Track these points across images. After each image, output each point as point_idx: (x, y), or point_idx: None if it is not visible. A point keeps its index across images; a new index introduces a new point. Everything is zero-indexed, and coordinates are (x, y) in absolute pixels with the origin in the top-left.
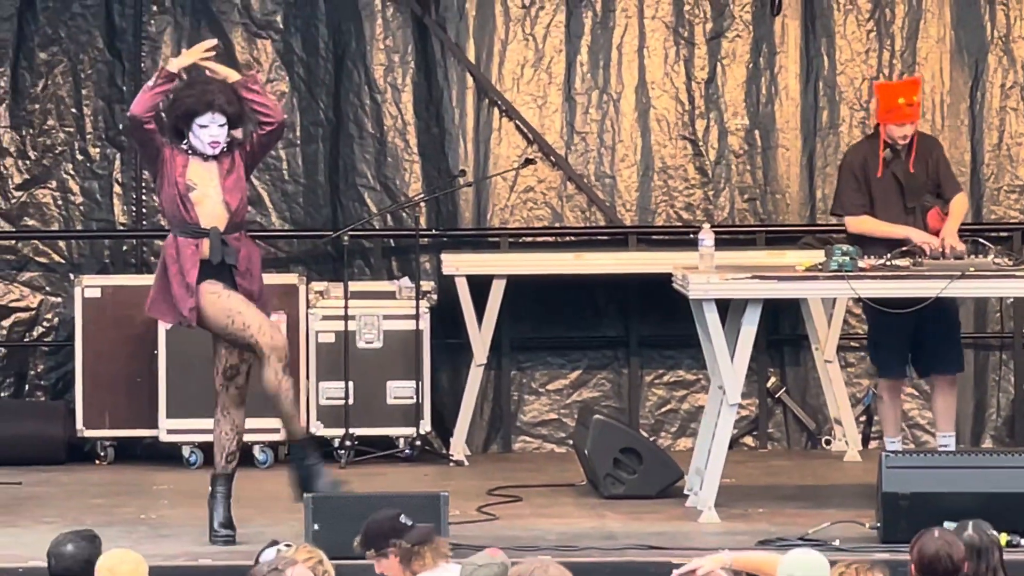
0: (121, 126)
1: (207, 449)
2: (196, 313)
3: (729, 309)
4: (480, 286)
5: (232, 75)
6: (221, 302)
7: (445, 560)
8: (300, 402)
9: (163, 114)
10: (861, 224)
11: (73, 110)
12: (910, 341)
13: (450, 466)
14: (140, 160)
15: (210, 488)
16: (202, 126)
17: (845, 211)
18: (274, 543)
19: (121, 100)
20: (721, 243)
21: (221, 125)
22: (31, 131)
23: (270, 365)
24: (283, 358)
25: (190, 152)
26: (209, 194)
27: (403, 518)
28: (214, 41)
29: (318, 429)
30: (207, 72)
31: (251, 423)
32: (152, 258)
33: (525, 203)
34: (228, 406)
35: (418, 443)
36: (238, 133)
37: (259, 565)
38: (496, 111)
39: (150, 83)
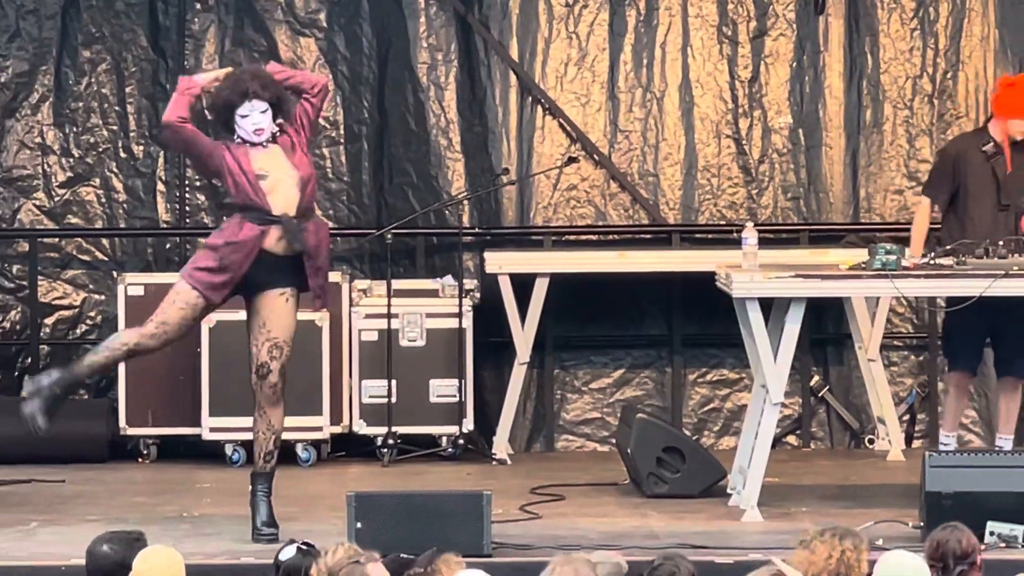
0: None
1: (250, 447)
2: (218, 294)
3: (772, 308)
4: (523, 284)
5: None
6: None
7: (460, 567)
8: (343, 400)
9: (206, 112)
10: (917, 211)
11: (116, 108)
12: (984, 339)
13: (493, 465)
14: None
15: (251, 487)
16: (243, 116)
17: (923, 192)
18: (292, 541)
19: (164, 98)
20: (764, 242)
21: (263, 112)
22: (75, 129)
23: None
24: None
25: (247, 143)
26: (282, 179)
27: (401, 555)
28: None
29: (361, 427)
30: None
31: (293, 421)
32: None
33: (568, 201)
34: (263, 405)
35: (461, 442)
36: (280, 121)
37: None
38: (539, 109)
39: (176, 91)
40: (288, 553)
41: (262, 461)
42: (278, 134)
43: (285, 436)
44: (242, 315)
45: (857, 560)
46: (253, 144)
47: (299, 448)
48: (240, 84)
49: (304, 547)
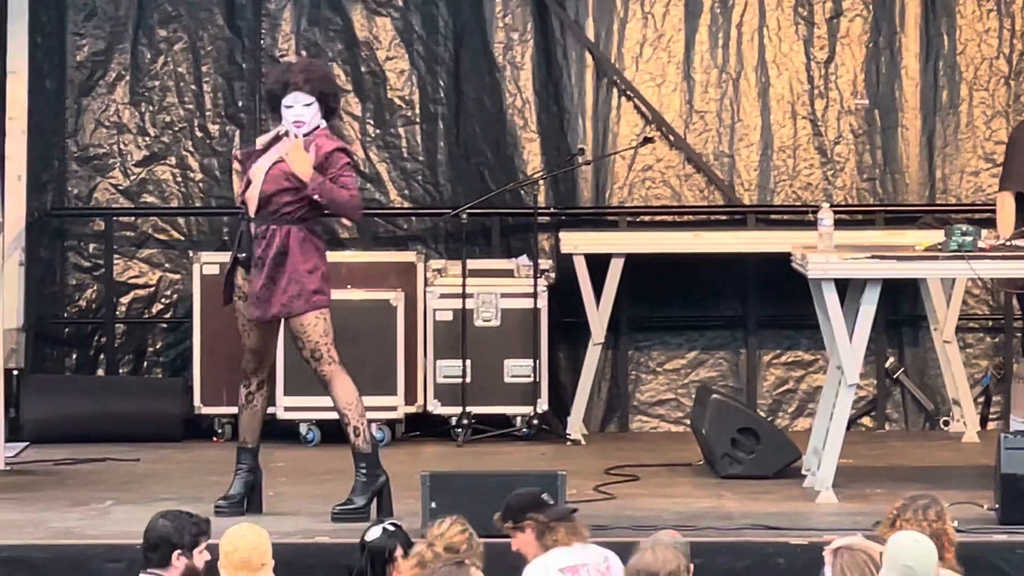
0: (240, 103)
1: (324, 426)
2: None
3: (848, 289)
4: (598, 265)
5: (306, 173)
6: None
7: (581, 540)
8: (418, 380)
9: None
10: (1000, 207)
11: (193, 87)
12: None
13: (567, 445)
14: None
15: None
16: (288, 107)
17: (1000, 187)
18: (379, 521)
19: (240, 77)
20: (840, 223)
21: (307, 104)
22: (151, 108)
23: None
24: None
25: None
26: (262, 167)
27: (545, 496)
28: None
29: (435, 407)
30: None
31: (367, 401)
32: None
33: (644, 182)
34: (325, 388)
35: (535, 422)
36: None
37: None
38: (615, 90)
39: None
40: (375, 533)
41: (350, 438)
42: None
43: None
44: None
45: (944, 528)
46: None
47: (373, 428)
48: (284, 75)
49: (391, 527)
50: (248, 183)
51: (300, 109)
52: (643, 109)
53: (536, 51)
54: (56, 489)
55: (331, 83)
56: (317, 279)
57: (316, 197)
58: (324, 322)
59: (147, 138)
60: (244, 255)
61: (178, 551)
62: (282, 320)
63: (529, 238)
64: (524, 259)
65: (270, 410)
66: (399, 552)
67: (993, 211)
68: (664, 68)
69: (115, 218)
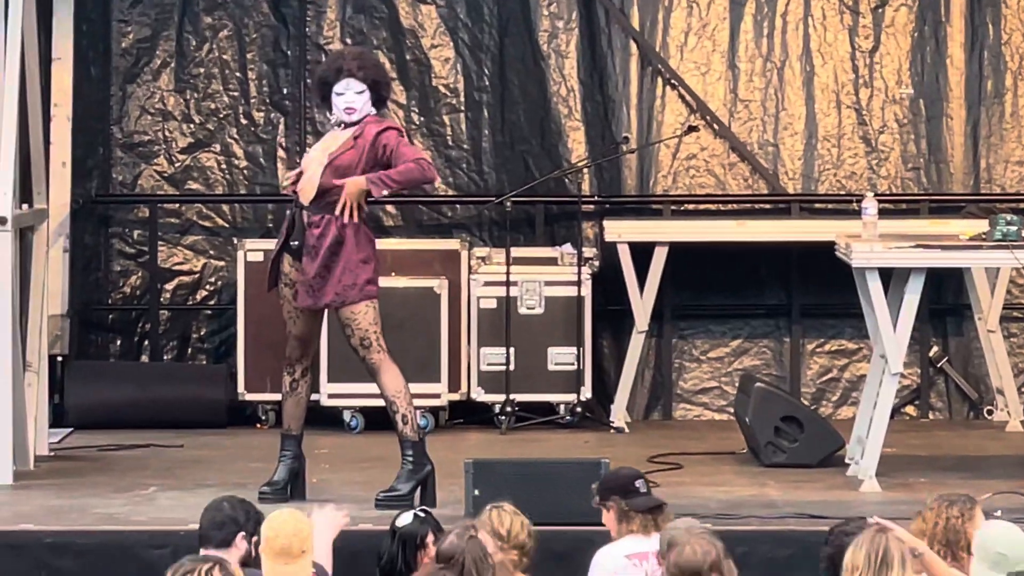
0: (285, 90)
1: (368, 414)
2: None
3: (892, 278)
4: (642, 253)
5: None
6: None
7: (658, 532)
8: (461, 367)
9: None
10: None
11: (238, 74)
12: None
13: (611, 433)
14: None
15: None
16: (339, 94)
17: None
18: (410, 507)
19: (285, 65)
20: (884, 212)
21: (359, 92)
22: (195, 95)
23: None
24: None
25: (335, 127)
26: (316, 157)
27: (639, 483)
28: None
29: (479, 395)
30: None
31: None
32: None
33: (688, 170)
34: (373, 376)
35: (579, 409)
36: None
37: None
38: (659, 78)
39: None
40: (405, 519)
41: (398, 426)
42: (362, 122)
43: None
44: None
45: (963, 526)
46: (339, 125)
47: (416, 415)
48: (336, 61)
49: (421, 514)
50: (300, 173)
51: (352, 96)
52: (687, 98)
53: (581, 39)
54: (100, 475)
55: (383, 72)
56: (370, 270)
57: (387, 192)
58: (374, 311)
59: (192, 125)
60: (296, 243)
61: (242, 533)
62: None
63: (573, 226)
64: (568, 247)
65: (313, 397)
66: (430, 538)
67: None
68: (709, 57)
69: (159, 205)
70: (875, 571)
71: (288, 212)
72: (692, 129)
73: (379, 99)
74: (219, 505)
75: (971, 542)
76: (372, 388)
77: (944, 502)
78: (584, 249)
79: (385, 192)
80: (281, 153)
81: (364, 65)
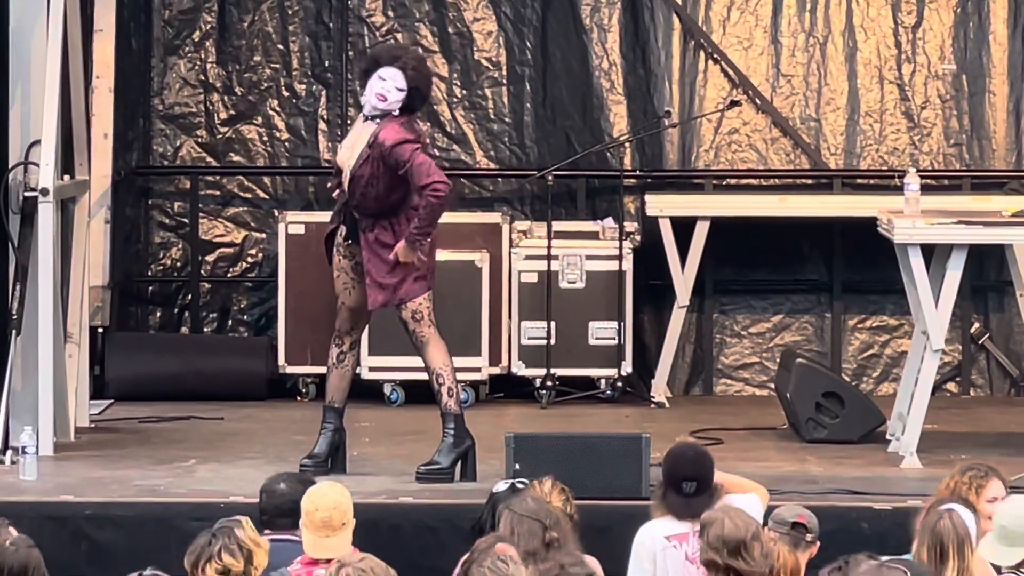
0: (327, 63)
1: (408, 387)
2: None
3: (934, 254)
4: (684, 227)
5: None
6: None
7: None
8: (502, 341)
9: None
10: None
11: (280, 46)
12: None
13: (651, 408)
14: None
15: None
16: (381, 79)
17: None
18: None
19: (327, 37)
20: (927, 188)
21: (399, 88)
22: (237, 67)
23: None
24: None
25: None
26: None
27: (686, 485)
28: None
29: (520, 369)
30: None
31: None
32: None
33: (730, 145)
34: (419, 350)
35: (619, 384)
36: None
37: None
38: (702, 53)
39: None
40: (502, 487)
41: (443, 398)
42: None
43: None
44: None
45: (967, 493)
46: (366, 115)
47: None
48: (397, 51)
49: (520, 484)
50: (339, 170)
51: (391, 87)
52: (730, 72)
53: (623, 13)
54: (140, 447)
55: (428, 85)
56: (431, 255)
57: (424, 238)
58: (428, 287)
59: (233, 97)
60: (349, 242)
61: None
62: None
63: (615, 200)
64: (609, 221)
65: None
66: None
67: None
68: (751, 32)
69: (200, 177)
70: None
71: (340, 201)
72: (734, 104)
73: (411, 106)
74: (280, 490)
75: (976, 511)
76: (413, 362)
77: (961, 468)
78: (625, 223)
79: (428, 240)
80: (322, 126)
81: (419, 69)
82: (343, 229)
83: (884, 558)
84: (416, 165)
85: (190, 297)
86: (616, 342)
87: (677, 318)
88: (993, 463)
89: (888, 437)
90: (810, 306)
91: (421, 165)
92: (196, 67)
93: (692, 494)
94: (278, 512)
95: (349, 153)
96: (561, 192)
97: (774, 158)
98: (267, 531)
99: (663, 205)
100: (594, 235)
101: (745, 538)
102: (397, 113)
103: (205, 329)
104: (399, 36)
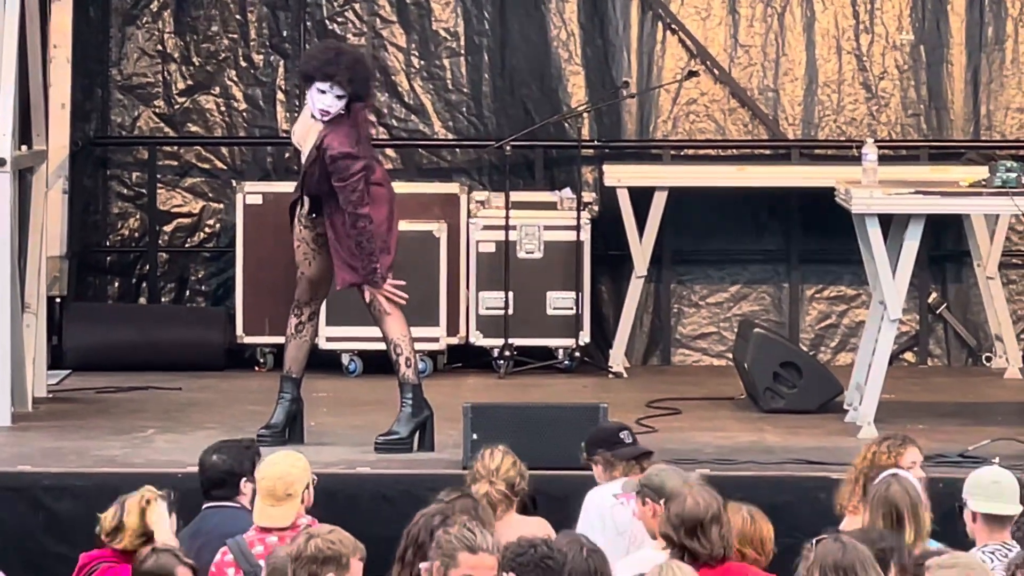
0: (285, 33)
1: (366, 357)
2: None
3: (891, 224)
4: (642, 198)
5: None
6: None
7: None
8: (460, 311)
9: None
10: None
11: (237, 16)
12: None
13: (609, 378)
14: None
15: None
16: (320, 91)
17: None
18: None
19: (285, 7)
20: (884, 158)
21: (339, 96)
22: (195, 37)
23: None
24: None
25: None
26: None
27: (623, 434)
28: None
29: (477, 339)
30: None
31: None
32: None
33: (688, 116)
34: (377, 320)
35: (577, 354)
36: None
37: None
38: (660, 23)
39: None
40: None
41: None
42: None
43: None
44: None
45: (888, 459)
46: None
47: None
48: (328, 66)
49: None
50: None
51: (331, 100)
52: (688, 43)
53: None
54: (98, 417)
55: (367, 83)
56: (391, 230)
57: (375, 273)
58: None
59: (191, 67)
60: (313, 215)
61: (244, 479)
62: None
63: (573, 171)
64: (567, 192)
65: None
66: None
67: None
68: (709, 2)
69: (158, 147)
70: None
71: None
72: (692, 74)
73: (357, 99)
74: (212, 461)
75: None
76: (371, 332)
77: (879, 439)
78: (583, 194)
79: (383, 269)
80: (280, 96)
81: (355, 77)
82: (306, 200)
83: (844, 537)
84: (348, 191)
85: (148, 267)
86: (574, 312)
87: (635, 288)
88: (951, 432)
89: (846, 407)
90: (768, 276)
91: (353, 193)
92: (154, 37)
93: (633, 441)
94: (211, 483)
95: (302, 138)
96: (519, 162)
97: (732, 128)
98: (206, 503)
99: (621, 175)
100: (552, 205)
101: (703, 518)
102: (344, 111)
103: (163, 299)
104: (355, 6)
